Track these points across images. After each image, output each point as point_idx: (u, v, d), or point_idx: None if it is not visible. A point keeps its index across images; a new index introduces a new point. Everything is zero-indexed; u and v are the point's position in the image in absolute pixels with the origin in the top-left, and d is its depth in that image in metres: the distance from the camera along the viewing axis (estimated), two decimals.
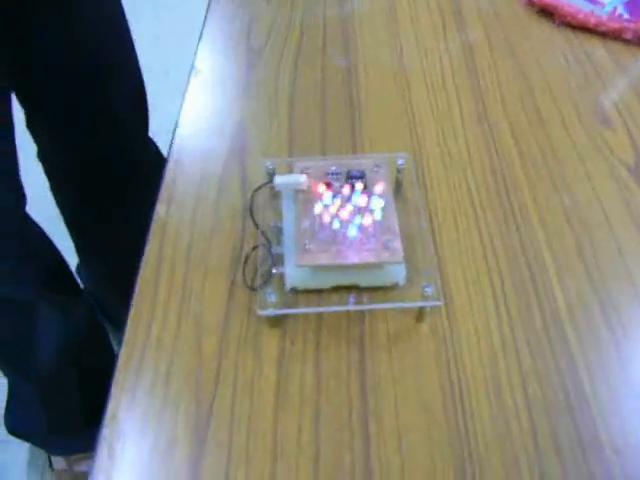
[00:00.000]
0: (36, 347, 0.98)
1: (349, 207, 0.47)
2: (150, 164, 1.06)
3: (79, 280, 1.15)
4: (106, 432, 0.43)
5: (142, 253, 0.54)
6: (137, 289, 0.51)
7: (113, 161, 1.03)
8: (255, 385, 0.45)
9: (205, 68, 0.72)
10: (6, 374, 1.05)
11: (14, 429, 1.13)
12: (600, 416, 0.44)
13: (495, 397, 0.45)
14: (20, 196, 0.84)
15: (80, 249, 1.24)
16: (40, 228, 0.95)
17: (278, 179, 0.50)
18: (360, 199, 0.47)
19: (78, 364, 1.06)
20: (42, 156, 1.04)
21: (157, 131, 1.11)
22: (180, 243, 0.54)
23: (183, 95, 0.68)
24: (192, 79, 0.71)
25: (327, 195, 0.48)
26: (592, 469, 0.42)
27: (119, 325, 1.34)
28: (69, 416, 1.11)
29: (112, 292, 1.27)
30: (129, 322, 0.49)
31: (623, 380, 0.46)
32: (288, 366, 0.46)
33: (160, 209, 0.57)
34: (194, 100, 0.68)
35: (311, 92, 0.68)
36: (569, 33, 0.79)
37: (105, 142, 1.00)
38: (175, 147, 0.62)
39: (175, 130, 0.64)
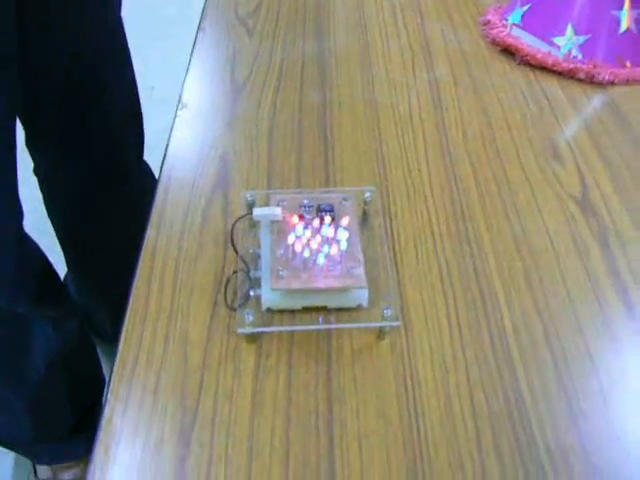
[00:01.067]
0: (27, 358, 1.02)
1: (318, 238, 0.53)
2: (143, 185, 1.11)
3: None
4: (102, 435, 0.49)
5: (134, 274, 0.60)
6: (129, 306, 0.57)
7: (107, 179, 1.08)
8: (234, 394, 0.51)
9: (191, 101, 0.79)
10: None
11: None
12: (537, 422, 0.51)
13: (445, 405, 0.51)
14: (19, 212, 0.88)
15: (70, 263, 1.28)
16: (34, 243, 0.99)
17: (256, 211, 0.56)
18: (328, 230, 0.53)
19: (67, 374, 1.10)
20: (38, 171, 1.08)
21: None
22: (168, 266, 0.60)
23: (170, 128, 0.74)
24: (179, 112, 0.77)
25: (299, 226, 0.54)
26: (528, 468, 0.48)
27: (104, 336, 1.39)
28: (56, 424, 1.15)
29: (99, 305, 1.32)
30: (122, 336, 0.55)
31: (558, 392, 0.52)
32: (263, 378, 0.52)
33: (150, 233, 0.63)
34: (181, 132, 0.74)
35: (289, 127, 0.75)
36: (528, 72, 0.86)
37: (99, 159, 1.05)
38: (164, 176, 0.68)
39: (164, 160, 0.70)
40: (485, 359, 0.54)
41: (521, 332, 0.56)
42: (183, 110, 0.77)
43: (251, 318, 0.52)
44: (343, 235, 0.53)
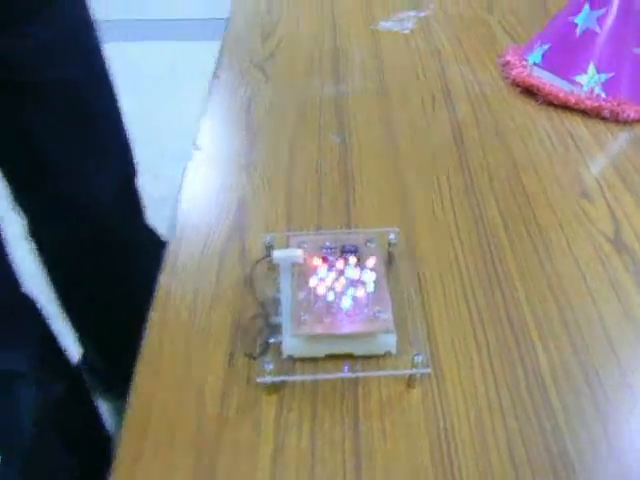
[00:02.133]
0: (15, 421, 0.98)
1: (343, 280, 0.50)
2: (145, 248, 1.08)
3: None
4: None
5: (145, 321, 0.57)
6: (141, 356, 0.54)
7: (103, 240, 1.05)
8: (253, 450, 0.48)
9: (206, 144, 0.77)
10: None
11: None
12: (582, 472, 0.46)
13: (482, 458, 0.47)
14: (11, 279, 0.85)
15: (73, 325, 1.25)
16: (33, 306, 0.96)
17: (276, 253, 0.54)
18: (353, 272, 0.50)
19: (58, 437, 1.05)
20: (32, 231, 1.06)
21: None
22: (182, 313, 0.57)
23: (183, 170, 0.72)
24: (193, 154, 0.75)
25: (322, 268, 0.51)
26: None
27: (109, 385, 1.34)
28: None
29: (104, 360, 1.28)
30: (133, 388, 0.51)
31: (605, 443, 0.48)
32: (285, 431, 0.49)
33: (163, 279, 0.60)
34: (195, 175, 0.72)
35: (307, 168, 0.72)
36: (551, 111, 0.84)
37: (91, 221, 1.02)
38: (178, 220, 0.66)
39: (178, 205, 0.68)
40: (523, 406, 0.50)
41: (559, 377, 0.52)
42: (197, 153, 0.75)
43: (271, 367, 0.48)
44: (369, 277, 0.50)
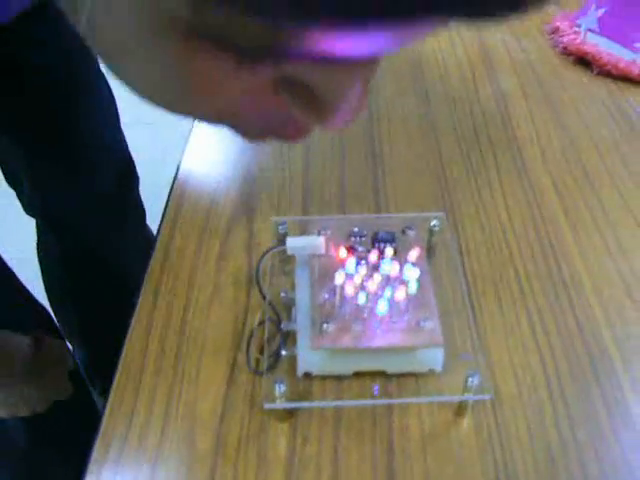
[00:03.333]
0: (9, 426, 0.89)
1: (377, 277, 0.39)
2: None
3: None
4: None
5: (128, 325, 0.46)
6: (119, 369, 0.43)
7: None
8: None
9: None
10: None
11: None
12: None
13: None
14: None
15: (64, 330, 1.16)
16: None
17: (291, 241, 0.42)
18: (390, 267, 0.39)
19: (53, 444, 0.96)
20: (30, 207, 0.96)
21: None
22: (173, 313, 0.46)
23: (185, 140, 0.61)
24: (196, 122, 0.63)
25: (350, 262, 0.40)
26: None
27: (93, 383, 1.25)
28: None
29: (99, 366, 1.19)
30: (107, 410, 0.40)
31: None
32: (300, 471, 0.38)
33: (153, 269, 0.49)
34: (197, 147, 0.61)
35: (328, 142, 0.61)
36: (609, 83, 0.72)
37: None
38: (174, 198, 0.55)
39: (175, 179, 0.57)
40: (607, 447, 0.39)
41: None
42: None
43: (283, 388, 0.37)
44: (412, 274, 0.38)
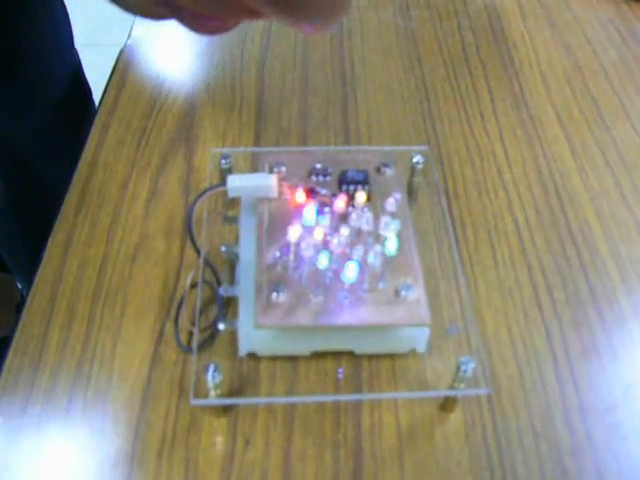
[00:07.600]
0: None
1: (345, 231, 0.29)
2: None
3: None
4: None
5: (32, 277, 0.36)
6: (14, 343, 0.33)
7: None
8: None
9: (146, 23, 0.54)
10: None
11: None
12: None
13: None
14: None
15: None
16: None
17: (233, 180, 0.33)
18: (362, 218, 0.29)
19: None
20: None
21: None
22: (89, 267, 0.36)
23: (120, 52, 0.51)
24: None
25: (309, 209, 0.30)
26: None
27: None
28: None
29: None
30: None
31: None
32: (241, 478, 0.29)
33: (66, 211, 0.39)
34: (129, 60, 0.50)
35: (289, 61, 0.51)
36: (619, 1, 0.62)
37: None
38: (97, 124, 0.45)
39: (102, 100, 0.47)
40: (624, 441, 0.31)
41: None
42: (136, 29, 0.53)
43: (218, 378, 0.28)
44: (392, 227, 0.29)
